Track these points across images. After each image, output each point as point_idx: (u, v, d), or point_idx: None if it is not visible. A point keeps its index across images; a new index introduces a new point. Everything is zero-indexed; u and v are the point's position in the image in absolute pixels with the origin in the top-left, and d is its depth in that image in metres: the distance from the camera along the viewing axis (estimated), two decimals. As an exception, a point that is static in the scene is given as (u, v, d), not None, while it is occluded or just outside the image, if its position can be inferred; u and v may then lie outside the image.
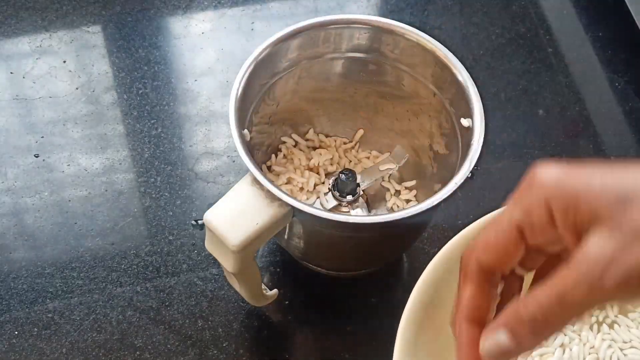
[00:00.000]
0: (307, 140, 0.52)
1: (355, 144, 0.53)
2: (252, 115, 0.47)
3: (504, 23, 0.63)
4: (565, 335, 0.43)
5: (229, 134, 0.56)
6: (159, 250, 0.52)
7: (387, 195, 0.52)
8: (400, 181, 0.52)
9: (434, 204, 0.42)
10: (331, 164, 0.52)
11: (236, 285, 0.46)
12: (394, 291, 0.53)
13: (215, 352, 0.49)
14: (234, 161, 0.56)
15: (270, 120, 0.50)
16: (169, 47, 0.60)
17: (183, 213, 0.54)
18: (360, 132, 0.53)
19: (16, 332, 0.49)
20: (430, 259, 0.52)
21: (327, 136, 0.53)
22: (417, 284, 0.42)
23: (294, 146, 0.52)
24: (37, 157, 0.55)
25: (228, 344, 0.50)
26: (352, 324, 0.51)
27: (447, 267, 0.42)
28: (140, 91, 0.58)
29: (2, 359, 0.48)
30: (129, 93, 0.58)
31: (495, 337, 0.30)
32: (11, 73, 0.59)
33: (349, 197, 0.49)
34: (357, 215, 0.50)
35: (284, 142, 0.52)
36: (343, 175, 0.48)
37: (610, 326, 0.44)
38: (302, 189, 0.50)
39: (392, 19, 0.47)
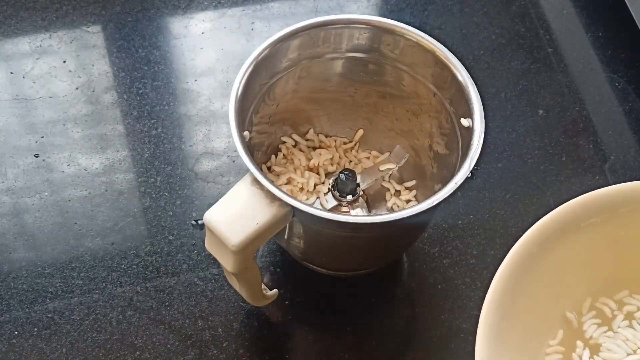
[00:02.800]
0: (307, 140, 0.52)
1: (355, 144, 0.53)
2: (252, 115, 0.47)
3: (504, 23, 0.63)
4: None
5: (229, 134, 0.56)
6: (159, 250, 0.52)
7: (387, 195, 0.52)
8: (400, 181, 0.52)
9: (434, 204, 0.42)
10: (331, 164, 0.52)
11: (236, 285, 0.46)
12: (394, 291, 0.53)
13: (215, 352, 0.49)
14: (234, 161, 0.56)
15: (270, 120, 0.50)
16: (169, 47, 0.61)
17: (183, 213, 0.54)
18: (360, 132, 0.53)
19: (16, 332, 0.49)
20: (431, 259, 0.53)
21: (327, 136, 0.53)
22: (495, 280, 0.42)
23: (294, 146, 0.52)
24: (37, 157, 0.55)
25: (228, 344, 0.50)
26: (352, 324, 0.51)
27: (530, 253, 0.42)
28: (140, 91, 0.58)
29: (2, 359, 0.48)
30: (129, 93, 0.58)
31: None
32: (11, 73, 0.59)
33: (349, 197, 0.49)
34: (357, 215, 0.50)
35: (284, 142, 0.52)
36: (343, 175, 0.48)
37: None
38: (302, 189, 0.50)
39: (392, 19, 0.47)
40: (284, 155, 0.51)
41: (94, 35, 0.61)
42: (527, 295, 0.42)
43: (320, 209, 0.43)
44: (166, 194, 0.54)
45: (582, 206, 0.44)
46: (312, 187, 0.50)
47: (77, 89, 0.58)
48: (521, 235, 0.53)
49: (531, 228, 0.43)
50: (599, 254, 0.45)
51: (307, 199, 0.50)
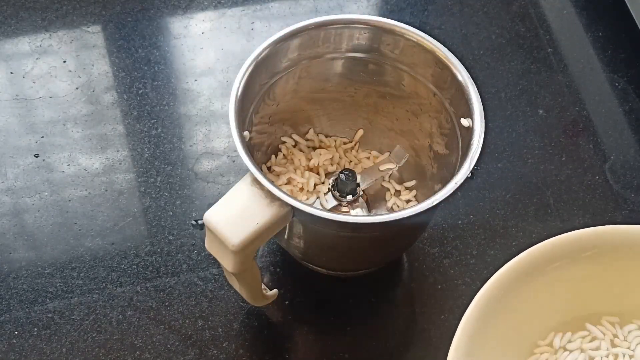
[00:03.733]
0: (307, 140, 0.52)
1: (355, 144, 0.53)
2: (252, 115, 0.47)
3: (504, 23, 0.63)
4: None
5: (229, 134, 0.56)
6: (159, 250, 0.52)
7: (387, 195, 0.52)
8: (400, 181, 0.52)
9: (434, 204, 0.42)
10: (331, 164, 0.52)
11: (236, 285, 0.46)
12: (394, 291, 0.53)
13: (215, 352, 0.49)
14: (234, 161, 0.56)
15: (270, 120, 0.50)
16: (169, 47, 0.61)
17: (183, 213, 0.54)
18: (360, 132, 0.53)
19: (16, 332, 0.49)
20: (431, 259, 0.53)
21: (327, 136, 0.53)
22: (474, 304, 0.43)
23: (294, 146, 0.52)
24: (37, 157, 0.55)
25: (228, 344, 0.50)
26: (352, 324, 0.51)
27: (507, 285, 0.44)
28: (140, 91, 0.58)
29: (2, 359, 0.48)
30: (129, 93, 0.58)
31: None
32: (11, 73, 0.59)
33: (349, 197, 0.49)
34: (357, 215, 0.50)
35: (284, 143, 0.52)
36: (343, 175, 0.48)
37: None
38: (302, 189, 0.50)
39: (392, 19, 0.47)
40: (284, 155, 0.52)
41: (94, 35, 0.61)
42: (493, 336, 0.43)
43: (320, 209, 0.43)
44: (166, 194, 0.54)
45: (548, 251, 0.45)
46: (312, 187, 0.50)
47: (77, 89, 0.58)
48: (520, 235, 0.53)
49: (497, 272, 0.44)
50: (561, 294, 0.46)
51: (307, 199, 0.50)
